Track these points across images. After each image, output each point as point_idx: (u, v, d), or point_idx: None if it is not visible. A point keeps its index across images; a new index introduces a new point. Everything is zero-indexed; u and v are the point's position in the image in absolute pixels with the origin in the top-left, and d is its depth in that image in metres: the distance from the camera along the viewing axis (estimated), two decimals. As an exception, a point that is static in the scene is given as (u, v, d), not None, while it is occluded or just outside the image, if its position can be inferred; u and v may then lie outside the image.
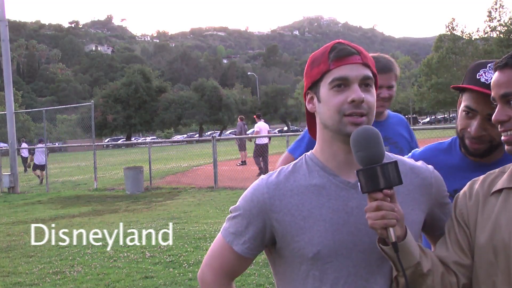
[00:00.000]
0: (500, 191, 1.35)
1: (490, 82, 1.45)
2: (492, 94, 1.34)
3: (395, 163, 1.23)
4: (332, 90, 1.31)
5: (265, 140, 16.21)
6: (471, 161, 1.68)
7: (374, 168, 1.21)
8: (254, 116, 17.52)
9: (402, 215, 1.25)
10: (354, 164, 1.29)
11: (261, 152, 15.95)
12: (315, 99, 1.37)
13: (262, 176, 1.40)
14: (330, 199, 1.33)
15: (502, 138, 1.33)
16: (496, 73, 1.34)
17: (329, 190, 1.33)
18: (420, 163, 1.47)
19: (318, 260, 1.31)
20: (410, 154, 1.83)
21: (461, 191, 1.44)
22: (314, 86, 1.36)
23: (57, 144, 42.29)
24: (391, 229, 1.21)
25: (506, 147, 1.33)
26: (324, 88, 1.33)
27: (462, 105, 1.63)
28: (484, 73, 1.56)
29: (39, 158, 19.01)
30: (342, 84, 1.30)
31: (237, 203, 1.40)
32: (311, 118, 1.45)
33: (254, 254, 1.40)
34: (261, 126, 16.69)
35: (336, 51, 1.32)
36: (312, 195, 1.33)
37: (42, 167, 18.78)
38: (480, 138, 1.59)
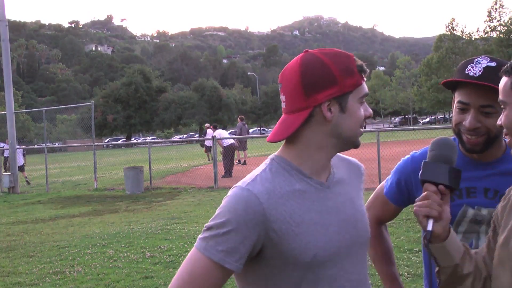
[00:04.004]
0: None
1: (479, 75, 1.54)
2: (500, 97, 1.35)
3: (459, 171, 1.33)
4: (359, 103, 1.37)
5: (230, 141, 16.69)
6: (471, 160, 1.69)
7: (436, 164, 1.33)
8: (211, 127, 18.44)
9: (449, 217, 1.32)
10: (326, 167, 1.40)
11: (228, 154, 16.36)
12: (337, 108, 1.34)
13: (241, 186, 1.32)
14: (314, 201, 1.35)
15: (508, 140, 1.35)
16: (504, 77, 1.34)
17: (310, 193, 1.36)
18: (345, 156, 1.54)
19: (315, 264, 1.33)
20: (409, 155, 1.83)
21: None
22: (342, 95, 1.34)
23: (57, 144, 42.34)
24: (430, 220, 1.29)
25: None
26: (353, 100, 1.35)
27: (455, 102, 1.65)
28: (472, 67, 1.60)
29: (20, 159, 18.96)
30: (365, 98, 1.39)
31: (222, 218, 1.28)
32: (298, 121, 1.36)
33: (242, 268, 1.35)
34: (219, 132, 17.40)
35: (360, 64, 1.37)
36: (299, 200, 1.34)
37: (20, 168, 18.75)
38: (476, 131, 1.59)
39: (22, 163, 19.15)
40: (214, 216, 1.31)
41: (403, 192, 1.80)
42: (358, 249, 1.41)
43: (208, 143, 23.76)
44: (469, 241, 1.67)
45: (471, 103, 1.59)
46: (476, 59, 1.62)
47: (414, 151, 1.84)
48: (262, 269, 1.35)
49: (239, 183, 1.34)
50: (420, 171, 1.33)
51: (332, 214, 1.37)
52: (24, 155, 20.17)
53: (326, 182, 1.39)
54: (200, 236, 1.32)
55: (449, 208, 1.35)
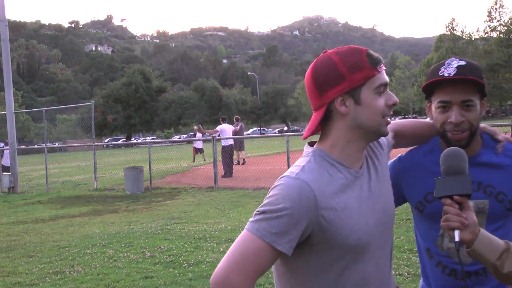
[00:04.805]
0: None
1: (454, 74, 1.66)
2: None
3: (467, 176, 1.44)
4: (376, 94, 1.44)
5: (230, 142, 16.50)
6: None
7: (444, 178, 1.45)
8: (220, 119, 18.08)
9: (474, 222, 1.44)
10: (359, 155, 1.49)
11: (228, 153, 16.24)
12: (352, 102, 1.44)
13: (290, 176, 1.40)
14: (352, 189, 1.46)
15: None
16: None
17: (349, 181, 1.46)
18: None
19: (358, 247, 1.44)
20: (396, 157, 1.92)
21: None
22: (353, 89, 1.43)
23: (57, 144, 42.33)
24: (456, 231, 1.41)
25: None
26: (367, 92, 1.43)
27: (435, 103, 1.73)
28: (445, 69, 1.70)
29: (7, 160, 18.80)
30: (384, 88, 1.45)
31: (277, 205, 1.36)
32: (318, 118, 1.47)
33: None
34: (223, 127, 17.00)
35: (374, 57, 1.45)
36: (341, 188, 1.44)
37: (7, 169, 18.62)
38: (460, 125, 1.69)
39: (10, 165, 18.95)
40: (266, 202, 1.39)
41: (394, 193, 1.85)
42: (387, 229, 1.54)
43: (197, 145, 23.90)
44: None
45: (453, 100, 1.69)
46: (446, 62, 1.73)
47: (401, 154, 1.94)
48: (308, 254, 1.44)
49: (287, 174, 1.43)
50: (435, 190, 1.46)
51: (367, 199, 1.48)
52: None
53: (360, 169, 1.50)
54: (251, 219, 1.39)
55: (472, 211, 1.46)
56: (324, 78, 1.44)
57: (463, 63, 1.69)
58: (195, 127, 18.04)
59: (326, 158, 1.47)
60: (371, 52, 1.46)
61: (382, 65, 1.46)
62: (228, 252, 1.38)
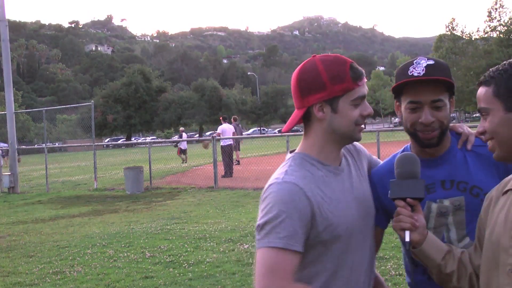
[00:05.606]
0: (508, 191, 1.43)
1: (424, 73, 1.66)
2: (482, 104, 1.44)
3: (421, 181, 1.53)
4: (352, 105, 1.55)
5: (229, 142, 16.42)
6: (423, 159, 1.75)
7: (399, 181, 1.53)
8: (220, 118, 17.92)
9: (423, 225, 1.52)
10: (336, 155, 1.62)
11: (227, 153, 16.19)
12: (329, 109, 1.56)
13: (276, 182, 1.50)
14: (335, 184, 1.58)
15: (490, 145, 1.47)
16: (483, 87, 1.45)
17: (330, 177, 1.58)
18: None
19: (347, 235, 1.55)
20: (376, 168, 1.91)
21: None
22: (332, 99, 1.54)
23: (57, 144, 42.32)
24: (407, 232, 1.48)
25: (494, 155, 1.47)
26: (344, 103, 1.55)
27: (405, 103, 1.71)
28: (414, 68, 1.69)
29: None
30: (361, 101, 1.56)
31: (273, 212, 1.45)
32: (298, 116, 1.60)
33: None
34: (224, 128, 16.90)
35: (357, 71, 1.55)
36: (324, 184, 1.55)
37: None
38: (431, 125, 1.68)
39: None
40: (263, 214, 1.48)
41: (378, 210, 1.85)
42: (370, 223, 1.67)
43: (183, 145, 23.91)
44: (441, 235, 1.73)
45: (423, 100, 1.68)
46: (415, 61, 1.72)
47: (379, 164, 1.93)
48: (308, 249, 1.52)
49: (273, 181, 1.52)
50: (389, 191, 1.54)
51: (349, 192, 1.61)
52: (3, 156, 19.91)
53: (340, 166, 1.63)
54: (258, 238, 1.47)
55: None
56: (307, 84, 1.55)
57: (431, 62, 1.68)
58: (181, 128, 17.93)
59: (305, 158, 1.59)
60: (355, 65, 1.56)
61: (363, 79, 1.56)
62: (256, 276, 1.43)
